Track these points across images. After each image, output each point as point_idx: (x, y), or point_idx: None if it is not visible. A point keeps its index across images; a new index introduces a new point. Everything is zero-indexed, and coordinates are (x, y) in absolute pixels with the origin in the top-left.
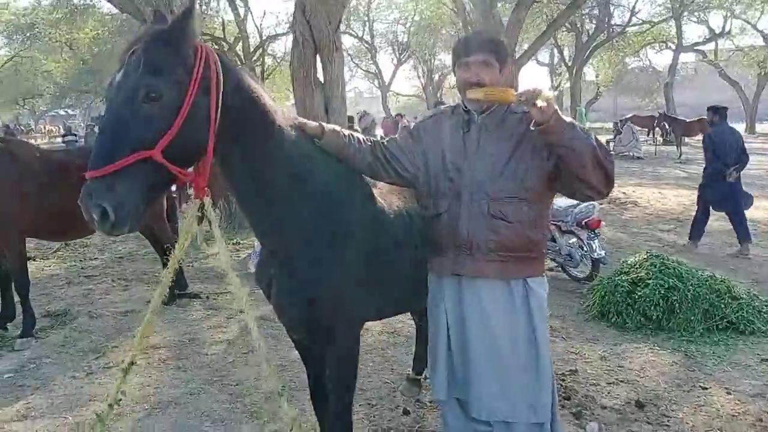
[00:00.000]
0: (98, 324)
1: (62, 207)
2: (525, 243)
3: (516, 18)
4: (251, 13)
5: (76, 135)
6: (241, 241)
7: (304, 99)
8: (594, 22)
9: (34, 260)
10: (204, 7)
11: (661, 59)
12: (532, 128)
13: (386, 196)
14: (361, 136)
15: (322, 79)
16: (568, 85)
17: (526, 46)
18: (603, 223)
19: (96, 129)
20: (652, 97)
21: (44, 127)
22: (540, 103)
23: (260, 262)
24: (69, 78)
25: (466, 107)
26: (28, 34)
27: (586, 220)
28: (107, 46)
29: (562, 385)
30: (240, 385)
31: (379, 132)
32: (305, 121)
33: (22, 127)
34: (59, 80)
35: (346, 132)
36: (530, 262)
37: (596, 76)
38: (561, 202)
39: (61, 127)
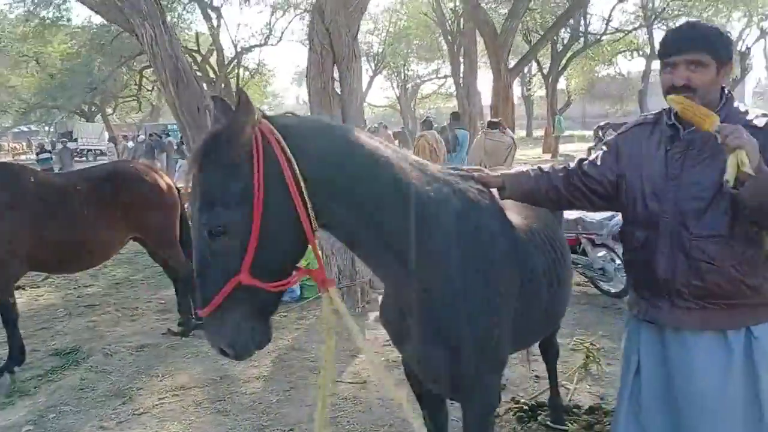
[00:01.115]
0: (115, 363)
1: (62, 237)
2: (739, 290)
3: (509, 27)
4: (226, 25)
5: (50, 152)
6: None
7: (320, 111)
8: (569, 30)
9: (24, 289)
10: (176, 20)
11: (628, 66)
12: (723, 183)
13: (511, 216)
14: (548, 168)
15: (338, 90)
16: (538, 93)
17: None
18: None
19: (68, 145)
20: (622, 104)
21: (8, 145)
22: (743, 160)
23: (386, 302)
24: (36, 93)
25: (670, 118)
26: None
27: None
28: (77, 60)
29: None
30: (294, 429)
31: None
32: (484, 173)
33: None
34: (24, 96)
35: (533, 172)
36: (753, 309)
37: (566, 85)
38: (594, 214)
39: (24, 144)
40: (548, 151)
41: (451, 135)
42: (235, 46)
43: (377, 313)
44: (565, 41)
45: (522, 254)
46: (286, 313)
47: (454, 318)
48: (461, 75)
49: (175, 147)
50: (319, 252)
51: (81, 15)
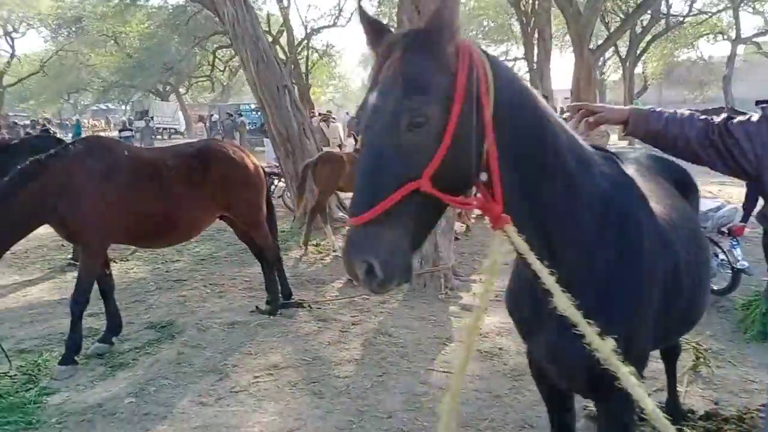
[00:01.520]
0: (208, 338)
1: (152, 212)
2: None
3: (592, 6)
4: (296, 5)
5: (132, 130)
6: (321, 242)
7: None
8: (649, 12)
9: (115, 262)
10: None
11: (710, 50)
12: None
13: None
14: (685, 114)
15: None
16: (613, 78)
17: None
18: (747, 229)
19: (151, 123)
20: (702, 90)
21: (88, 122)
22: None
23: (516, 286)
24: (114, 72)
25: None
26: (74, 28)
27: (728, 226)
28: (153, 40)
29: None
30: (392, 417)
31: None
32: (605, 105)
33: (66, 122)
34: (103, 74)
35: (667, 113)
36: None
37: (643, 69)
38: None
39: (103, 122)
40: (625, 138)
41: None
42: (305, 27)
43: (463, 301)
44: (644, 23)
45: (666, 247)
46: (368, 296)
47: (596, 309)
48: (535, 57)
49: (249, 127)
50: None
51: None
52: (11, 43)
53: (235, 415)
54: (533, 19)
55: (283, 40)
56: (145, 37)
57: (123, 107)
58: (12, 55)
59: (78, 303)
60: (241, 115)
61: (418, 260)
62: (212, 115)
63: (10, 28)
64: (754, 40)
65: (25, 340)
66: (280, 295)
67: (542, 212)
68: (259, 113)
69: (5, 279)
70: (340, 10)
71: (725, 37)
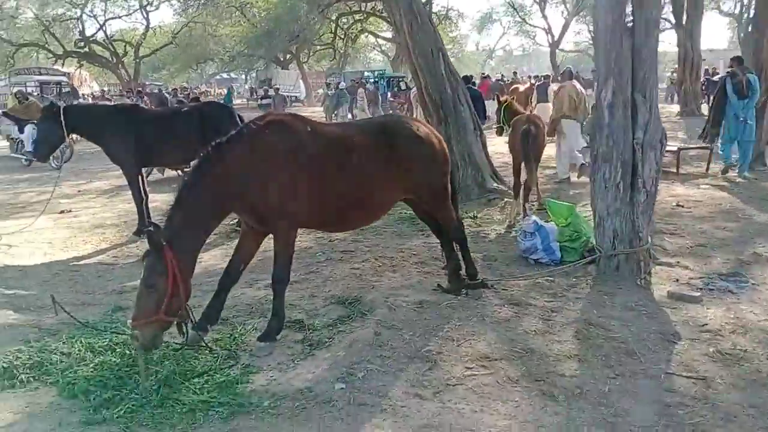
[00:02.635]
0: (400, 318)
1: (340, 192)
2: None
3: None
4: None
5: (271, 97)
6: (478, 215)
7: (609, 49)
8: None
9: None
10: None
11: None
12: None
13: None
14: None
15: (629, 24)
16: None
17: None
18: None
19: (281, 92)
20: None
21: (214, 90)
22: None
23: None
24: (239, 42)
25: None
26: (203, 1)
27: None
28: (278, 9)
29: None
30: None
31: None
32: None
33: (195, 90)
34: (229, 44)
35: None
36: None
37: None
38: None
39: (226, 90)
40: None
41: (745, 80)
42: None
43: (669, 288)
44: None
45: None
46: (552, 278)
47: None
48: (684, 16)
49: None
50: None
51: None
52: (146, 16)
53: (462, 416)
54: None
55: None
56: (270, 6)
57: (244, 76)
58: (147, 27)
59: (280, 281)
60: (366, 83)
61: (609, 239)
62: (339, 83)
63: (145, 2)
64: None
65: None
66: (462, 273)
67: None
68: (380, 81)
69: None
70: None
71: None
